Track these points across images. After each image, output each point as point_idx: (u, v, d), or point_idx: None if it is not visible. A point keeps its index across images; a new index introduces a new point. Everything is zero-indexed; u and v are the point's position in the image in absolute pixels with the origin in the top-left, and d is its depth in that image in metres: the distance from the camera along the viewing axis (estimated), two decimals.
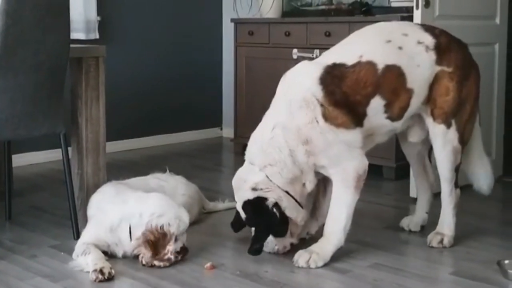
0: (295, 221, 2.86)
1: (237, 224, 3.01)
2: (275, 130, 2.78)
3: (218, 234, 3.23)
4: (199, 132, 5.92)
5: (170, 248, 2.76)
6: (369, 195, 3.64)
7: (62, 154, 3.15)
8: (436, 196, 3.17)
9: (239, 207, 2.89)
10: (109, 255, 2.84)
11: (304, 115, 2.73)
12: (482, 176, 3.11)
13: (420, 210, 3.27)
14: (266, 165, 2.79)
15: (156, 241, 2.74)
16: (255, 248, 2.82)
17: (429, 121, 2.96)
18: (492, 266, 2.77)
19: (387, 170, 4.27)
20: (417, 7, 3.68)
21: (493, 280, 2.68)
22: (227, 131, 5.92)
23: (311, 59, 4.60)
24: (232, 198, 3.75)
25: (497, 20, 4.22)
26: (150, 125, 5.56)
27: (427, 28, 3.01)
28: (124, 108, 5.30)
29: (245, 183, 2.83)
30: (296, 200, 2.82)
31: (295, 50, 4.79)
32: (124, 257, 2.86)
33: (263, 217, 2.80)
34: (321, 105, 2.73)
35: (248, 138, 5.10)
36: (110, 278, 2.65)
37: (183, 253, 2.82)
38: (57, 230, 3.27)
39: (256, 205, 2.80)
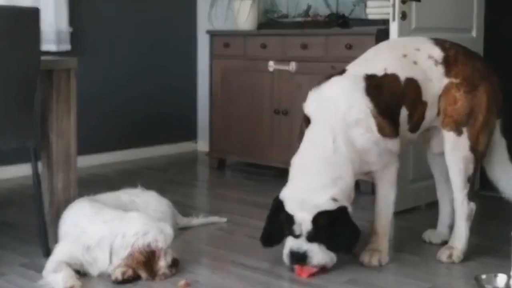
0: None
1: (271, 239, 2.96)
2: (337, 143, 2.84)
3: (192, 251, 3.18)
4: (173, 146, 5.87)
5: (163, 263, 2.77)
6: None
7: (32, 168, 3.08)
8: None
9: (306, 219, 2.77)
10: (81, 274, 2.79)
11: (361, 126, 2.86)
12: (508, 185, 3.14)
13: (441, 223, 3.31)
14: (336, 178, 2.82)
15: (147, 260, 2.74)
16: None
17: (441, 130, 3.05)
18: (469, 281, 2.76)
19: (364, 184, 4.24)
20: (394, 20, 3.69)
21: None
22: (202, 144, 5.88)
23: (287, 71, 4.67)
24: (207, 213, 3.74)
25: (473, 33, 4.25)
26: (123, 138, 5.50)
27: (438, 42, 3.12)
28: (96, 122, 5.24)
29: (319, 194, 2.78)
30: None
31: (271, 62, 4.78)
32: (99, 276, 2.81)
33: (346, 226, 2.82)
34: (373, 116, 2.87)
35: (223, 152, 5.17)
36: None
37: (175, 265, 2.82)
38: (27, 248, 3.20)
39: (339, 215, 2.80)
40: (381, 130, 2.88)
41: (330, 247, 2.83)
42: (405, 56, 3.03)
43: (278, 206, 2.85)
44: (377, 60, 3.05)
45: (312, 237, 2.79)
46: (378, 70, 2.98)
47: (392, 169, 2.99)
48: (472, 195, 3.06)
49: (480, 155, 3.05)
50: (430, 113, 3.04)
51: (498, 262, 2.98)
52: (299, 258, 2.82)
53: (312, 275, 2.85)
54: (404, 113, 2.98)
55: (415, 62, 3.02)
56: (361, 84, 2.91)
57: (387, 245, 3.03)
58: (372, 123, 2.86)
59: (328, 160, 2.82)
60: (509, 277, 2.62)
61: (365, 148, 2.87)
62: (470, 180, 3.04)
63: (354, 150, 2.85)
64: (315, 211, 2.76)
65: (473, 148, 3.01)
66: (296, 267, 2.87)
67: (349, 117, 2.85)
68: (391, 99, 2.94)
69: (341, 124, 2.85)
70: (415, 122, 3.03)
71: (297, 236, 2.80)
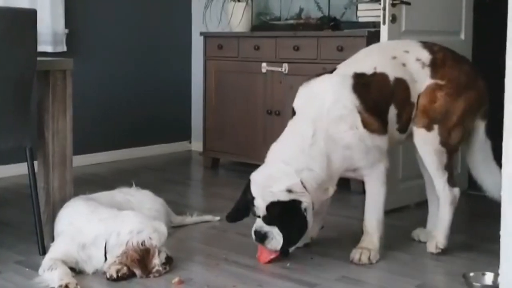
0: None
1: (234, 216, 3.08)
2: (316, 136, 2.88)
3: (185, 249, 3.21)
4: (167, 146, 5.89)
5: (157, 261, 2.79)
6: (336, 208, 3.66)
7: (28, 168, 3.10)
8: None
9: (261, 205, 2.85)
10: (76, 271, 2.81)
11: (344, 122, 2.89)
12: (492, 185, 3.16)
13: (431, 222, 3.33)
14: (303, 169, 2.85)
15: (141, 258, 2.76)
16: (286, 252, 2.95)
17: (412, 125, 3.08)
18: (458, 279, 2.79)
19: (355, 184, 4.29)
20: (384, 23, 3.73)
21: None
22: (196, 145, 5.91)
23: (280, 73, 4.71)
24: (200, 212, 3.77)
25: (462, 36, 4.29)
26: (118, 138, 5.52)
27: (427, 45, 3.16)
28: (92, 122, 5.26)
29: (277, 183, 2.83)
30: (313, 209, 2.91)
31: (264, 64, 4.82)
32: (94, 273, 2.83)
33: (294, 220, 2.84)
34: (359, 112, 2.90)
35: (217, 151, 5.22)
36: None
37: (169, 263, 2.84)
38: (22, 246, 3.22)
39: (290, 208, 2.83)
40: (367, 126, 2.90)
41: (287, 236, 2.88)
42: (394, 58, 3.07)
43: (248, 185, 2.94)
44: (367, 60, 3.09)
45: (268, 222, 2.87)
46: (367, 69, 3.02)
47: (381, 168, 3.01)
48: (453, 181, 3.10)
49: (452, 148, 3.09)
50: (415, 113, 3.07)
51: (486, 260, 3.00)
52: (260, 237, 2.91)
53: (270, 262, 2.95)
54: (393, 112, 3.02)
55: (403, 64, 3.06)
56: (349, 82, 2.95)
57: (377, 244, 3.06)
58: (357, 119, 2.89)
59: (301, 151, 2.87)
60: (497, 275, 2.66)
61: (349, 145, 2.90)
62: (447, 168, 3.08)
63: (334, 147, 2.88)
64: (269, 200, 2.84)
65: (444, 143, 3.05)
66: (258, 248, 2.98)
67: (333, 112, 2.89)
68: (380, 97, 2.98)
69: (324, 119, 2.89)
70: (404, 122, 3.06)
71: (259, 217, 2.89)
